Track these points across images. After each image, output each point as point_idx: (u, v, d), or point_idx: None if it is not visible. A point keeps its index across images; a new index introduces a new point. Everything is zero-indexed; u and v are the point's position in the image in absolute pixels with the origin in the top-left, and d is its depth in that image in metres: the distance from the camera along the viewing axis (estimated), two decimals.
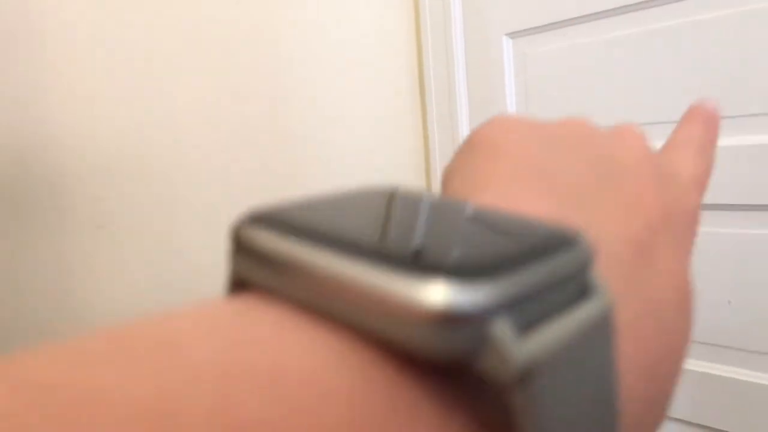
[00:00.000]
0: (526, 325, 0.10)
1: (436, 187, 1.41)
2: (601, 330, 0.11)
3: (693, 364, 1.10)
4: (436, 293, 0.09)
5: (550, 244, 0.11)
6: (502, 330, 0.09)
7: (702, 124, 0.22)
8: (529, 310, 0.10)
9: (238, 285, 0.11)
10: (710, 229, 1.05)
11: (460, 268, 0.09)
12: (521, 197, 0.15)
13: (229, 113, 1.06)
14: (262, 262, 0.11)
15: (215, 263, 1.02)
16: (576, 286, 0.11)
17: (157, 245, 0.96)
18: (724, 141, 1.02)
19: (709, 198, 0.92)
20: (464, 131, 1.36)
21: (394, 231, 0.11)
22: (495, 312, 0.09)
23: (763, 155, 0.99)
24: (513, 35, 1.27)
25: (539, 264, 0.10)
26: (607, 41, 1.13)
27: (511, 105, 1.29)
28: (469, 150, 0.18)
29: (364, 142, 1.29)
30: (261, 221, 0.11)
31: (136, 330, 0.09)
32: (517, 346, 0.09)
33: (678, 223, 0.17)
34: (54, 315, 0.87)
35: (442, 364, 0.09)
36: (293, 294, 0.10)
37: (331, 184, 1.23)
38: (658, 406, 0.15)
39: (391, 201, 0.13)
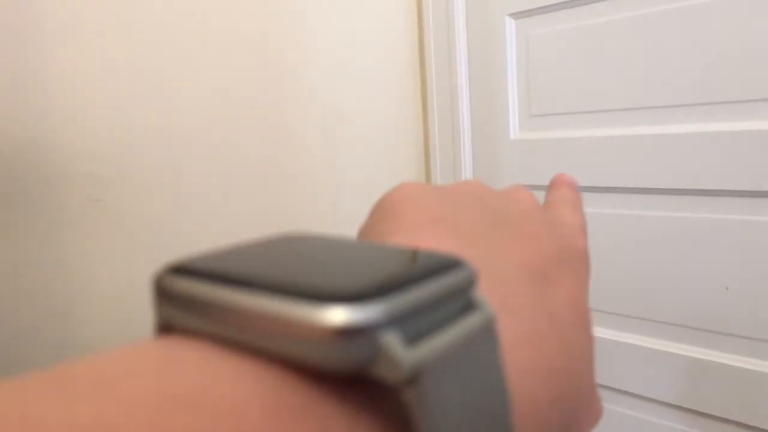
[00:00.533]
0: (415, 336, 0.11)
1: (435, 173, 1.41)
2: (484, 338, 0.13)
3: (689, 350, 1.10)
4: (334, 314, 0.11)
5: (435, 267, 0.13)
6: (392, 340, 0.11)
7: (569, 188, 0.25)
8: (416, 323, 0.12)
9: (164, 330, 0.13)
10: (709, 215, 1.05)
11: (353, 292, 0.11)
12: (421, 240, 0.17)
13: (229, 90, 1.05)
14: (182, 306, 0.12)
15: (211, 237, 1.02)
16: (461, 303, 0.13)
17: (153, 219, 0.96)
18: (720, 127, 1.01)
19: (707, 184, 0.92)
20: (465, 113, 1.35)
21: (298, 267, 0.13)
22: (384, 326, 0.11)
23: (764, 141, 0.97)
24: (516, 16, 1.26)
25: (424, 284, 0.12)
26: (610, 23, 1.12)
27: (512, 86, 1.28)
28: (377, 212, 0.20)
29: (363, 122, 1.28)
30: (178, 270, 0.13)
31: (72, 367, 0.11)
32: (405, 353, 0.11)
33: (572, 258, 0.20)
34: (49, 288, 0.87)
35: (344, 374, 0.11)
36: (211, 331, 0.12)
37: (329, 165, 1.22)
38: (563, 409, 0.16)
39: (297, 242, 0.15)
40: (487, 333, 0.13)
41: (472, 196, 0.21)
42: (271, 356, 0.11)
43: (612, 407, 1.21)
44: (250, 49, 1.09)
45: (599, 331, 1.21)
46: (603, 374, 1.21)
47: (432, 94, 1.38)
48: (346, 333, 0.11)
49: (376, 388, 0.11)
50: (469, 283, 0.13)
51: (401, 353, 0.11)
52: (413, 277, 0.12)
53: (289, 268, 0.13)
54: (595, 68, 1.15)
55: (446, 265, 0.13)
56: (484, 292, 0.15)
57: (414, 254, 0.14)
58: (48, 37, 0.86)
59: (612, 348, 1.19)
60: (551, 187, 0.26)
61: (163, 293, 0.13)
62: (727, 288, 1.05)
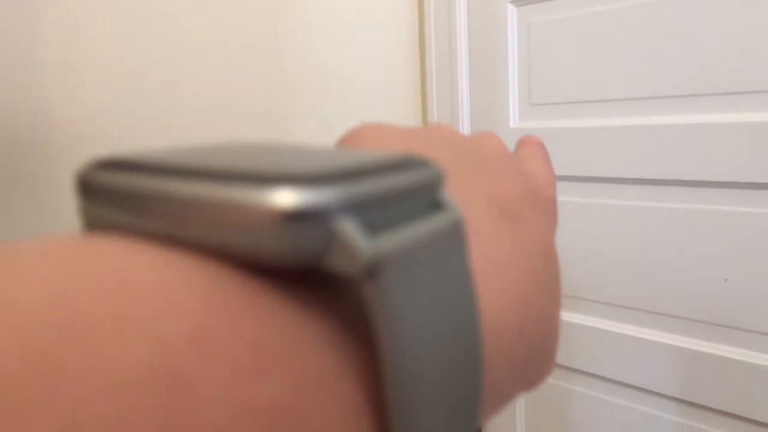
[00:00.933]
0: (376, 228, 0.10)
1: None
2: (452, 239, 0.12)
3: (687, 342, 1.09)
4: (282, 196, 0.09)
5: (399, 161, 0.12)
6: (349, 227, 0.10)
7: (536, 145, 0.25)
8: (379, 214, 0.10)
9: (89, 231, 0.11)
10: (708, 206, 1.04)
11: (304, 175, 0.10)
12: None
13: (228, 67, 1.04)
14: (108, 202, 0.11)
15: None
16: (427, 202, 0.12)
17: None
18: (722, 118, 1.00)
19: (706, 175, 0.91)
20: (464, 101, 1.34)
21: (242, 157, 0.11)
22: (340, 211, 0.10)
23: (764, 133, 0.97)
24: (517, 3, 1.24)
25: (385, 175, 0.11)
26: (613, 12, 1.10)
27: (512, 74, 1.26)
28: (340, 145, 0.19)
29: (362, 110, 1.27)
30: (103, 165, 0.11)
31: None
32: (364, 242, 0.10)
33: (542, 203, 0.19)
34: None
35: (294, 267, 0.10)
36: (141, 227, 0.10)
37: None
38: (530, 340, 0.15)
39: (243, 143, 0.13)
40: (455, 234, 0.12)
41: (441, 136, 0.20)
42: (208, 250, 0.10)
43: (610, 398, 1.21)
44: (248, 32, 1.07)
45: (597, 322, 1.21)
46: (600, 365, 1.21)
47: (431, 81, 1.37)
48: (296, 216, 0.09)
49: (331, 285, 0.10)
50: (436, 181, 0.12)
51: (360, 241, 0.10)
52: (374, 167, 0.11)
53: (232, 159, 0.11)
54: (597, 57, 1.13)
55: (410, 161, 0.12)
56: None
57: (376, 152, 0.12)
58: (52, 19, 0.84)
59: (610, 339, 1.19)
60: (519, 146, 0.25)
61: (87, 189, 0.11)
62: (726, 280, 1.04)
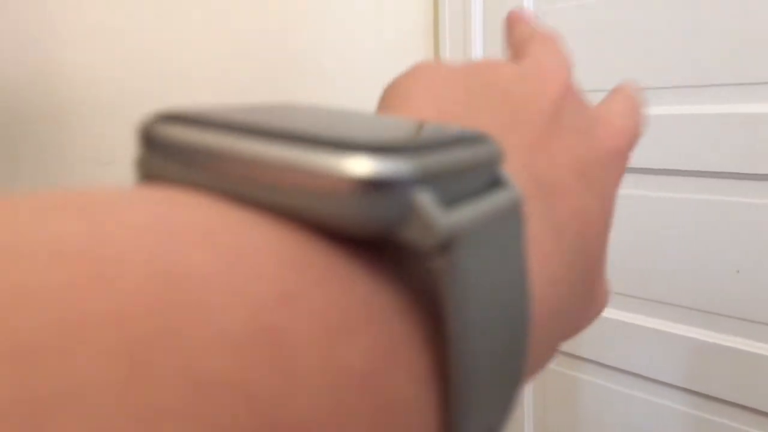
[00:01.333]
0: (448, 201, 0.10)
1: None
2: (513, 216, 0.12)
3: (698, 333, 1.09)
4: (360, 165, 0.09)
5: (466, 136, 0.12)
6: (426, 200, 0.10)
7: (633, 92, 0.23)
8: (449, 188, 0.10)
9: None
10: (720, 197, 1.04)
11: (382, 144, 0.10)
12: None
13: (236, 50, 1.04)
14: (176, 157, 0.10)
15: None
16: (489, 178, 0.12)
17: None
18: (736, 108, 0.99)
19: (718, 166, 0.91)
20: None
21: (314, 121, 0.11)
22: (418, 182, 0.10)
23: None
24: None
25: (457, 148, 0.11)
26: (625, 1, 1.10)
27: None
28: (384, 99, 0.19)
29: (371, 98, 1.27)
30: (172, 118, 0.11)
31: (64, 193, 0.09)
32: (440, 216, 0.10)
33: (594, 168, 0.19)
34: None
35: (369, 235, 0.10)
36: (215, 185, 0.10)
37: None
38: (563, 321, 0.16)
39: (308, 107, 0.13)
40: (515, 212, 0.12)
41: (491, 84, 0.19)
42: (285, 213, 0.10)
43: (617, 388, 1.21)
44: (267, 22, 1.07)
45: (606, 311, 1.21)
46: (608, 354, 1.21)
47: None
48: (375, 185, 0.09)
49: (402, 256, 0.10)
50: (498, 158, 0.12)
51: (437, 214, 0.10)
52: (444, 139, 0.11)
53: (303, 121, 0.11)
54: (612, 45, 1.13)
55: (474, 135, 0.12)
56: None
57: (439, 125, 0.12)
58: (60, 5, 0.85)
59: (619, 328, 1.19)
60: (612, 95, 0.24)
61: (152, 142, 0.11)
62: (738, 271, 1.04)
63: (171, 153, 0.11)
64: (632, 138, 0.21)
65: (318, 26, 1.16)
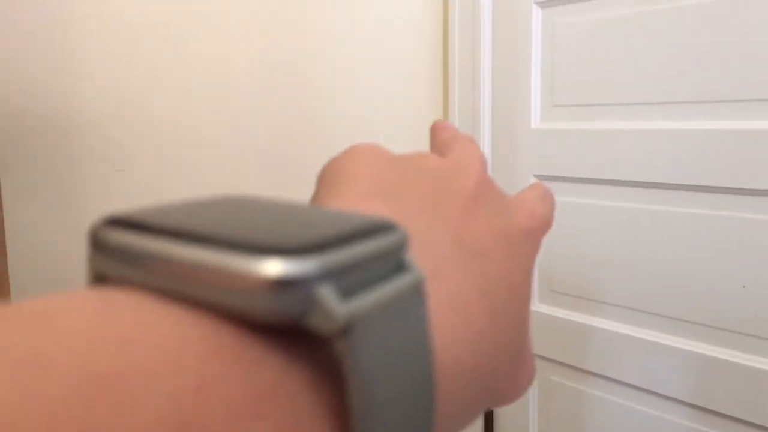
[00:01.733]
0: (348, 291, 0.12)
1: None
2: (413, 298, 0.13)
3: (704, 347, 1.09)
4: (271, 266, 0.11)
5: (370, 228, 0.13)
6: (327, 293, 0.11)
7: (543, 187, 0.25)
8: (350, 280, 0.12)
9: (98, 282, 0.13)
10: (727, 213, 1.04)
11: (290, 246, 0.12)
12: (362, 207, 0.18)
13: (249, 61, 1.06)
14: (117, 258, 0.12)
15: None
16: (393, 264, 0.14)
17: (174, 190, 0.97)
18: (744, 125, 0.99)
19: (726, 181, 0.91)
20: (486, 100, 1.34)
21: (237, 223, 0.13)
22: (319, 279, 0.11)
23: None
24: (543, 4, 1.24)
25: (358, 243, 0.13)
26: (638, 15, 1.10)
27: (535, 75, 1.27)
28: (325, 178, 0.21)
29: (383, 109, 1.28)
30: (117, 223, 0.13)
31: (13, 306, 0.11)
32: (339, 306, 0.11)
33: (516, 237, 0.20)
34: (73, 257, 0.88)
35: (280, 325, 0.11)
36: (147, 282, 0.12)
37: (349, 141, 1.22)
38: (485, 374, 0.17)
39: (238, 201, 0.15)
40: (416, 293, 0.14)
41: (421, 169, 0.21)
42: (207, 306, 0.12)
43: (621, 401, 1.21)
44: (271, 26, 1.09)
45: (612, 325, 1.21)
46: (613, 368, 1.21)
47: (454, 79, 1.38)
48: (282, 284, 0.11)
49: (311, 340, 0.12)
50: (401, 246, 0.14)
51: (335, 305, 0.11)
52: (348, 236, 0.13)
53: (227, 224, 0.13)
54: (620, 60, 1.13)
55: (380, 226, 0.14)
56: (418, 259, 0.16)
57: (350, 216, 0.14)
58: (78, 12, 0.87)
59: (624, 342, 1.19)
60: (526, 188, 0.26)
61: (98, 245, 0.13)
62: (744, 287, 1.04)
63: (112, 254, 0.13)
64: (545, 222, 0.23)
65: (327, 24, 1.17)
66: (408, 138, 1.35)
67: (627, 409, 1.20)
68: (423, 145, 1.38)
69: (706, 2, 1.02)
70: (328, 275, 0.12)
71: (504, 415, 1.41)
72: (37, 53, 0.84)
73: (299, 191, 1.15)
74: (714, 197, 1.05)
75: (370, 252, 0.13)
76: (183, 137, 0.98)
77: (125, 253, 0.12)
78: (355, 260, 0.12)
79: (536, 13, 1.26)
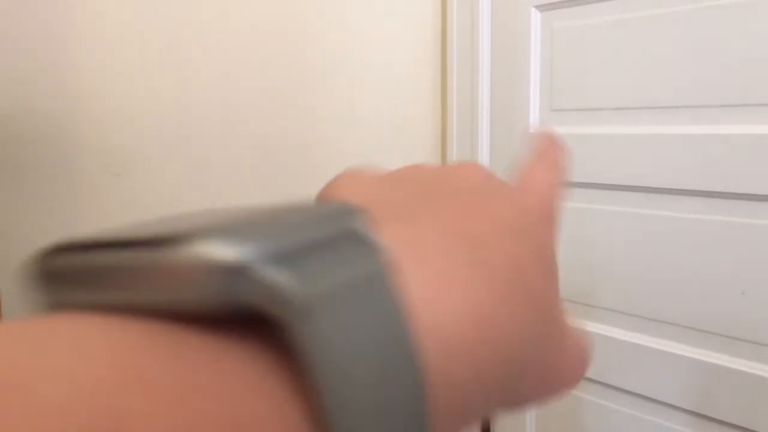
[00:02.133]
0: (304, 274, 0.11)
1: (452, 160, 1.40)
2: (381, 280, 0.13)
3: (702, 354, 1.09)
4: (218, 252, 0.10)
5: (328, 211, 0.13)
6: (277, 276, 0.11)
7: (550, 150, 0.25)
8: (305, 262, 0.11)
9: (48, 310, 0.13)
10: (726, 218, 1.04)
11: (231, 230, 0.11)
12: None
13: (247, 63, 1.05)
14: (59, 282, 0.12)
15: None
16: (357, 247, 0.13)
17: (169, 194, 0.96)
18: (744, 129, 0.99)
19: (725, 186, 0.91)
20: (485, 106, 1.34)
21: (175, 223, 0.12)
22: (269, 262, 0.11)
23: None
24: (542, 8, 1.24)
25: (313, 225, 0.12)
26: (637, 19, 1.10)
27: (534, 80, 1.26)
28: (318, 198, 0.21)
29: (381, 111, 1.27)
30: (52, 250, 0.12)
31: None
32: (292, 287, 0.11)
33: (522, 230, 0.19)
34: None
35: (228, 314, 0.11)
36: (92, 300, 0.12)
37: (345, 148, 1.21)
38: (500, 351, 0.16)
39: (202, 211, 0.14)
40: (381, 278, 0.13)
41: (412, 178, 0.21)
42: (142, 309, 0.11)
43: (621, 408, 1.21)
44: (269, 27, 1.08)
45: (611, 331, 1.20)
46: (613, 375, 1.21)
47: (452, 84, 1.37)
48: (231, 270, 0.10)
49: (270, 329, 0.11)
50: (364, 228, 0.13)
51: (290, 288, 0.11)
52: (301, 218, 0.12)
53: (168, 225, 0.12)
54: (619, 64, 1.13)
55: (340, 209, 0.13)
56: (416, 254, 0.15)
57: (307, 203, 0.14)
58: (76, 16, 0.85)
59: (624, 349, 1.18)
60: (537, 152, 0.26)
61: (40, 271, 0.13)
62: (743, 293, 1.03)
63: (53, 280, 0.12)
64: (555, 199, 0.23)
65: (325, 25, 1.16)
66: (406, 142, 1.34)
67: (625, 416, 1.20)
68: (421, 148, 1.38)
69: (706, 6, 1.02)
70: (279, 258, 0.11)
71: (500, 422, 1.40)
72: (35, 58, 0.82)
73: (298, 195, 1.14)
74: (712, 202, 1.05)
75: (327, 233, 0.12)
76: (180, 142, 0.97)
77: (63, 276, 0.12)
78: (308, 241, 0.12)
79: (535, 17, 1.25)
